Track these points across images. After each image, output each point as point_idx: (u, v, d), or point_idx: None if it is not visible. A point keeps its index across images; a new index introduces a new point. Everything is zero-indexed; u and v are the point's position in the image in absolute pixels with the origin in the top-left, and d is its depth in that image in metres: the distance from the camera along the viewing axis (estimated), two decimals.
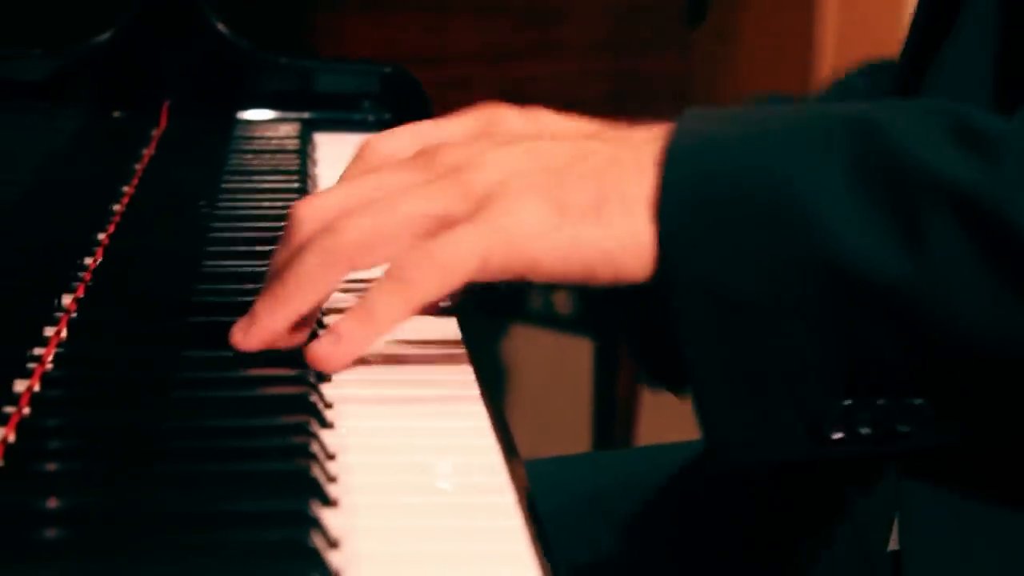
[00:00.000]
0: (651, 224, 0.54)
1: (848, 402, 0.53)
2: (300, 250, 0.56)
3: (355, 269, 0.56)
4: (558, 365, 2.45)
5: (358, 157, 0.65)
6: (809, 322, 0.52)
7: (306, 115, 1.16)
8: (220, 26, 1.14)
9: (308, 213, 0.57)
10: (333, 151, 1.05)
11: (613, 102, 1.61)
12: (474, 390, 0.58)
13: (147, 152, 1.02)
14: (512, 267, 0.54)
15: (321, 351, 0.55)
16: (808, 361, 0.53)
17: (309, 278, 0.55)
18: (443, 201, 0.55)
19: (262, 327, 0.56)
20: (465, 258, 0.53)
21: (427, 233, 0.54)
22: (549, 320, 2.44)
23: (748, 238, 0.52)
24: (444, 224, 0.54)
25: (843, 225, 0.51)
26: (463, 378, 0.59)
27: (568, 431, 2.16)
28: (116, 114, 1.16)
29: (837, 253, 0.51)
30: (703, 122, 0.57)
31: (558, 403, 2.39)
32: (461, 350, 0.63)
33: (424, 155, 0.59)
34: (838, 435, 0.53)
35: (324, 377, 0.57)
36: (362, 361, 0.58)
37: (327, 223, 0.56)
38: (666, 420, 1.33)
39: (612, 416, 1.98)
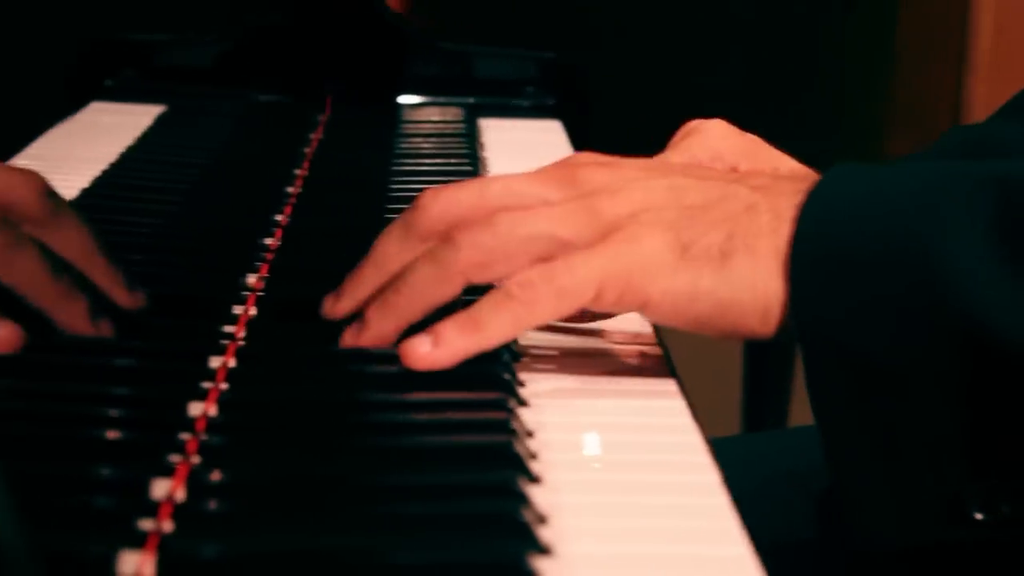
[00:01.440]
0: (777, 279, 0.51)
1: (989, 481, 0.49)
2: (418, 257, 0.55)
3: (469, 284, 0.55)
4: (708, 346, 2.43)
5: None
6: (946, 391, 0.49)
7: (470, 100, 1.16)
8: (387, 11, 1.15)
9: (434, 205, 0.56)
10: (500, 136, 1.05)
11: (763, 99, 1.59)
12: (668, 376, 0.57)
13: (315, 136, 1.04)
14: (625, 302, 0.53)
15: (418, 351, 0.53)
16: (945, 433, 0.49)
17: (422, 290, 0.54)
18: (570, 227, 0.53)
19: (372, 333, 0.55)
20: (583, 286, 0.52)
21: (546, 255, 0.53)
22: None
23: (882, 298, 0.50)
24: (565, 248, 0.53)
25: (982, 288, 0.48)
26: (652, 357, 0.59)
27: (717, 413, 2.14)
28: (280, 99, 1.18)
29: (975, 317, 0.48)
30: (847, 178, 0.54)
31: (707, 385, 2.36)
32: (648, 330, 0.62)
33: (563, 171, 0.58)
34: (980, 515, 0.49)
35: (517, 357, 0.56)
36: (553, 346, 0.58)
37: (450, 224, 0.55)
38: None
39: (764, 398, 1.94)
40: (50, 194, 0.57)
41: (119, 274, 0.58)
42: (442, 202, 0.56)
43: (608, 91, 1.34)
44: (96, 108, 1.15)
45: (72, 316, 0.55)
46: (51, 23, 1.22)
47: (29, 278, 0.54)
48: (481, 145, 1.03)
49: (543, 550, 0.38)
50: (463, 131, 1.06)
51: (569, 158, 0.62)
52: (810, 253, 0.51)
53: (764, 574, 0.39)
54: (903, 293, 0.50)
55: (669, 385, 0.56)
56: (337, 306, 0.58)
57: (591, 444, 0.49)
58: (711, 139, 0.66)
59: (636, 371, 0.58)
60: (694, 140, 0.67)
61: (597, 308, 0.54)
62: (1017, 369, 0.48)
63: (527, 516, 0.40)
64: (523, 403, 0.51)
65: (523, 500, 0.41)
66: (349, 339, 0.56)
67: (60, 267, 0.55)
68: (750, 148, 0.69)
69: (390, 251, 0.57)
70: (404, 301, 0.55)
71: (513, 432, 0.47)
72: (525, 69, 1.20)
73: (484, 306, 0.53)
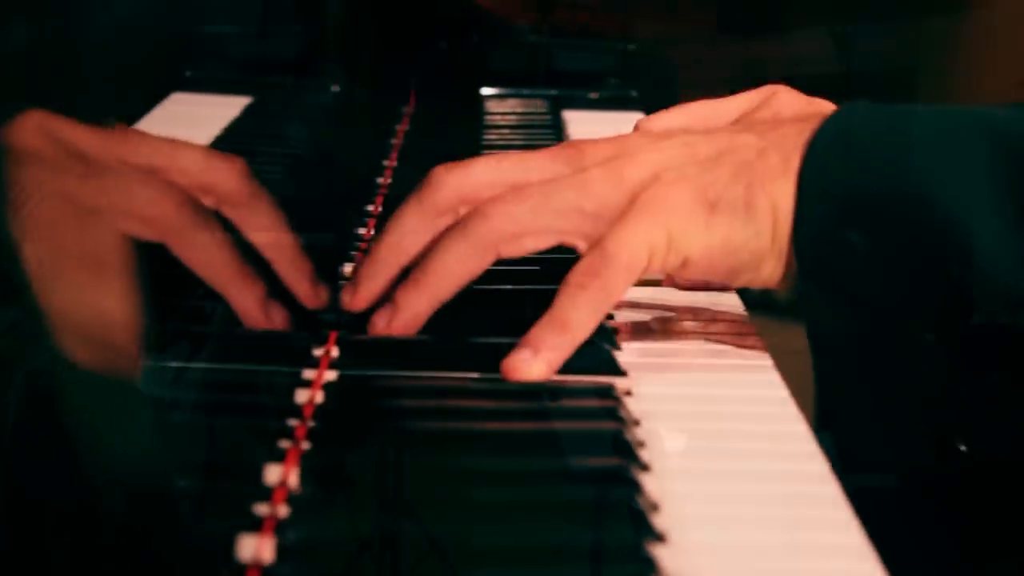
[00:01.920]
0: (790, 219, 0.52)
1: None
2: (444, 235, 0.54)
3: (500, 258, 0.54)
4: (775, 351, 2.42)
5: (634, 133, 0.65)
6: (940, 332, 0.51)
7: (553, 92, 1.16)
8: (470, 2, 1.15)
9: (450, 180, 0.56)
10: (584, 128, 1.05)
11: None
12: (767, 360, 0.56)
13: (400, 128, 1.04)
14: (668, 263, 0.53)
15: (522, 365, 0.52)
16: (937, 371, 0.52)
17: (453, 267, 0.54)
18: (597, 195, 0.53)
19: (405, 316, 0.55)
20: (638, 257, 0.52)
21: (577, 228, 0.53)
22: (764, 306, 2.40)
23: (883, 237, 0.51)
24: (595, 221, 0.53)
25: (985, 237, 0.49)
26: (753, 349, 0.58)
27: None
28: (364, 90, 1.18)
29: (975, 264, 0.49)
30: (855, 116, 0.55)
31: None
32: (745, 321, 0.62)
33: (570, 147, 0.57)
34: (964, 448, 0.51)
35: (615, 344, 0.56)
36: (646, 330, 0.58)
37: (465, 198, 0.55)
38: None
39: None
40: (250, 178, 0.58)
41: (306, 268, 0.58)
42: (457, 176, 0.56)
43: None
44: (177, 99, 1.16)
45: (246, 302, 0.55)
46: (132, 15, 1.23)
47: (209, 258, 0.54)
48: (567, 137, 1.03)
49: (659, 537, 0.38)
50: (548, 123, 1.06)
51: (569, 141, 0.62)
52: (814, 189, 0.52)
53: (880, 564, 0.38)
54: (904, 236, 0.51)
55: (770, 371, 0.55)
56: (358, 295, 0.56)
57: (696, 432, 0.49)
58: (777, 104, 0.65)
59: (735, 354, 0.58)
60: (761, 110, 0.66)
61: (644, 275, 0.54)
62: (1013, 315, 0.49)
63: (642, 504, 0.40)
64: (627, 392, 0.51)
65: (637, 488, 0.41)
66: (381, 325, 0.55)
67: (244, 252, 0.56)
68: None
69: (406, 228, 0.56)
70: (435, 280, 0.54)
71: (622, 420, 0.47)
72: (608, 60, 1.19)
73: (565, 303, 0.53)
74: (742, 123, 0.61)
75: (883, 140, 0.53)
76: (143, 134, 0.59)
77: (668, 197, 0.52)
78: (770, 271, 0.53)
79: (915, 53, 1.72)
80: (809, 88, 0.65)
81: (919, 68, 1.75)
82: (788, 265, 0.53)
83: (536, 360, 0.52)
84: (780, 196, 0.52)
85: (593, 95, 1.18)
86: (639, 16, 1.38)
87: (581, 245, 0.54)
